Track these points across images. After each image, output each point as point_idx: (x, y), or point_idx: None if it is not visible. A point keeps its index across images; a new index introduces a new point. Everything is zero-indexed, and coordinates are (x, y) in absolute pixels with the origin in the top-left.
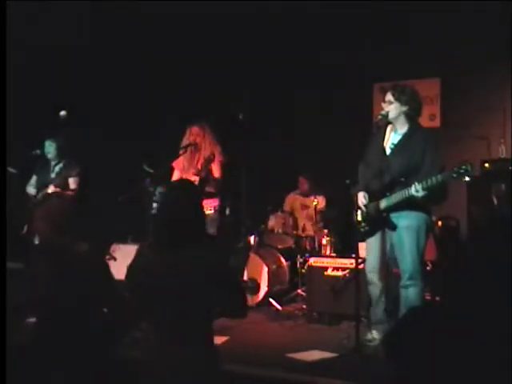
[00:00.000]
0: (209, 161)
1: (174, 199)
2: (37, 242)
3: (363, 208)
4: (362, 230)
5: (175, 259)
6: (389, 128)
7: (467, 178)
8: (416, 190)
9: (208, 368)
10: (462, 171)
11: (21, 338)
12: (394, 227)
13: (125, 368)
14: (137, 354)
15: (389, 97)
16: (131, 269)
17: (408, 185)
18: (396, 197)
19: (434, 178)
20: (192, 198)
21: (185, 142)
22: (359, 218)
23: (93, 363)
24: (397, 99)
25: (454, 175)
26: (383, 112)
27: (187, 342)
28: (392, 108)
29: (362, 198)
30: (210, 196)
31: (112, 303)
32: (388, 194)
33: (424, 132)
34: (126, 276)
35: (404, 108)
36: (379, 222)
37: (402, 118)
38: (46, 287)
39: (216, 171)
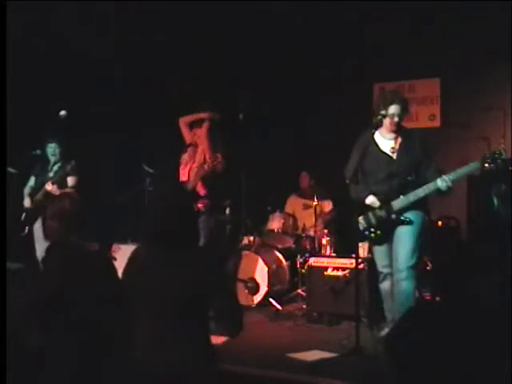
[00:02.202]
0: (205, 161)
1: (166, 202)
2: (37, 241)
3: (375, 213)
4: (372, 234)
5: (167, 261)
6: (378, 135)
7: (499, 163)
8: (444, 181)
9: (204, 368)
10: (496, 156)
11: (25, 338)
12: (410, 222)
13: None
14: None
15: (397, 110)
16: (126, 270)
17: (418, 183)
18: (417, 194)
19: (465, 169)
20: (183, 201)
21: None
22: (366, 223)
23: (101, 364)
24: (403, 112)
25: (486, 165)
26: (383, 112)
27: (183, 342)
28: (399, 122)
29: (374, 203)
30: (202, 197)
31: (119, 303)
32: (401, 195)
33: (416, 133)
34: (122, 277)
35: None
36: (392, 223)
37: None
38: (58, 287)
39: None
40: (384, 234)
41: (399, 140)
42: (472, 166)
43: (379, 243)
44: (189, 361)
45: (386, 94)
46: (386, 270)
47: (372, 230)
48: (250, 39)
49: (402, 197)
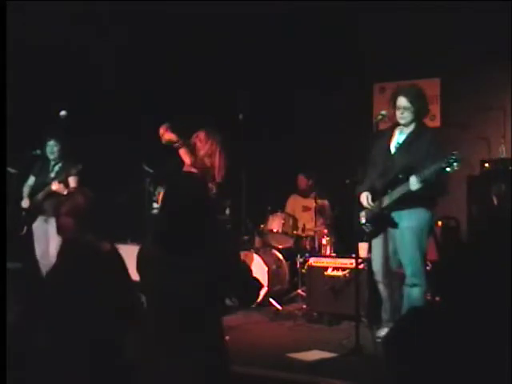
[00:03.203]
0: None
1: (180, 190)
2: (37, 241)
3: (368, 208)
4: (366, 230)
5: (178, 262)
6: (397, 129)
7: (456, 166)
8: (412, 183)
9: (218, 368)
10: (451, 160)
11: (30, 337)
12: (395, 225)
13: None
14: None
15: (403, 102)
16: (138, 265)
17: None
18: (396, 193)
19: (426, 170)
20: (198, 191)
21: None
22: (363, 219)
23: (111, 364)
24: (412, 104)
25: (444, 165)
26: (383, 112)
27: (196, 343)
28: (407, 115)
29: (365, 199)
30: None
31: (130, 303)
32: (389, 191)
33: (430, 132)
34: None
35: (418, 111)
36: (382, 221)
37: (412, 119)
38: (71, 285)
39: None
40: (377, 229)
41: (405, 136)
42: (436, 166)
43: (373, 238)
44: (202, 361)
45: (397, 88)
46: (378, 275)
47: (368, 224)
48: (250, 39)
49: (388, 194)
